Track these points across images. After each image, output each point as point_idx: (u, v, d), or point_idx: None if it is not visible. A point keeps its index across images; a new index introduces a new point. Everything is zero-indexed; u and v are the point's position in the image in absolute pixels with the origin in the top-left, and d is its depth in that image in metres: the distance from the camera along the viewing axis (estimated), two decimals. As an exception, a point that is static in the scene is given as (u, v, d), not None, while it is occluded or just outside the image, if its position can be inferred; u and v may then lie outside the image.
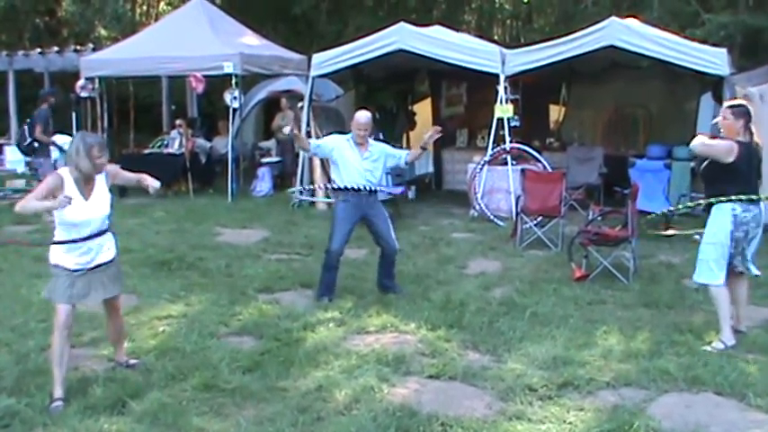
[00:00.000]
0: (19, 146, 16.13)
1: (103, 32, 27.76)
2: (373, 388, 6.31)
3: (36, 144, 15.29)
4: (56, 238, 6.40)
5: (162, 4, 31.52)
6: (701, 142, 7.58)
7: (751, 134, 7.48)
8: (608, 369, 6.76)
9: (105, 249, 6.55)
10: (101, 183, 6.46)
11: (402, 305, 8.69)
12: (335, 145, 9.11)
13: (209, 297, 9.19)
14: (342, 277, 9.56)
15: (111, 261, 6.64)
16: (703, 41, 15.18)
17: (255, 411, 6.00)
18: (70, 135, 18.25)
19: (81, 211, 6.25)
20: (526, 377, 6.53)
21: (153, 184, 6.85)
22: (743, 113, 7.51)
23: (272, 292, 9.45)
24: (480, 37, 20.57)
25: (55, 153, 15.47)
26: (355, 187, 8.91)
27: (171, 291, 9.44)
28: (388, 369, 6.76)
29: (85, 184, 6.31)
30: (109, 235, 6.59)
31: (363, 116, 9.06)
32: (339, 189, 9.07)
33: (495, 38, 29.64)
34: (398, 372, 6.75)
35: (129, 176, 6.90)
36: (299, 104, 10.14)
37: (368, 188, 8.96)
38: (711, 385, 6.39)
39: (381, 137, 12.26)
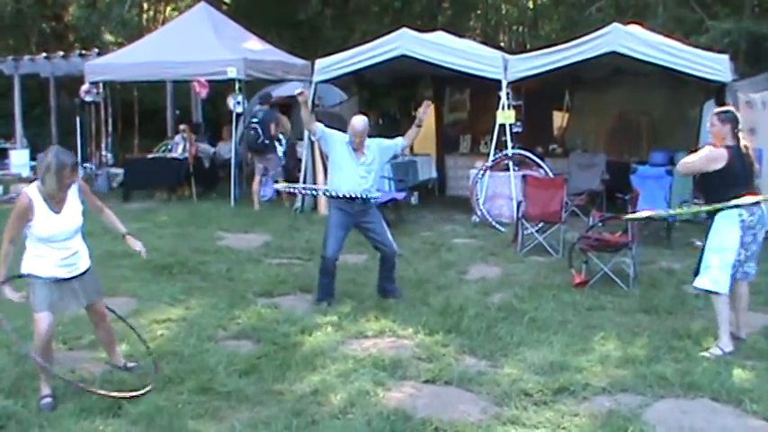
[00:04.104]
0: (252, 145, 16.54)
1: (110, 38, 27.80)
2: (368, 392, 6.31)
3: (267, 142, 16.17)
4: (27, 253, 6.31)
5: (168, 9, 31.57)
6: (680, 163, 7.69)
7: (738, 140, 7.48)
8: (604, 375, 6.75)
9: (82, 260, 6.54)
10: (72, 194, 6.37)
11: (401, 310, 8.69)
12: (335, 145, 9.11)
13: (208, 301, 9.20)
14: (342, 282, 9.59)
15: (87, 270, 6.60)
16: (708, 48, 15.16)
17: (250, 414, 6.00)
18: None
19: (52, 225, 6.20)
20: (522, 382, 6.53)
21: (141, 249, 6.91)
22: (729, 119, 7.53)
23: (271, 297, 9.46)
24: (485, 43, 20.58)
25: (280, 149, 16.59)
26: (349, 195, 8.92)
27: (171, 294, 9.45)
28: (384, 373, 6.76)
29: (56, 197, 6.22)
30: (83, 245, 6.56)
31: (360, 122, 9.03)
32: (332, 196, 9.08)
33: (501, 44, 29.64)
34: (394, 376, 6.75)
35: (98, 205, 6.81)
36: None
37: (361, 197, 8.96)
38: (708, 391, 6.37)
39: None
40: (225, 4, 28.91)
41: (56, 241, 6.24)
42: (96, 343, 7.41)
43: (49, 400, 6.15)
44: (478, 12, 33.05)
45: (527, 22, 33.45)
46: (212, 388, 6.45)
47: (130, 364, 6.97)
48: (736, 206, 7.34)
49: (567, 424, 5.81)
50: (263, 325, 8.21)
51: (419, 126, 9.33)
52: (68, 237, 6.33)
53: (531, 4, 33.43)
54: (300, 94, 9.23)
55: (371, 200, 9.20)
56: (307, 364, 7.04)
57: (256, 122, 16.34)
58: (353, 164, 9.02)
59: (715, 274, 7.44)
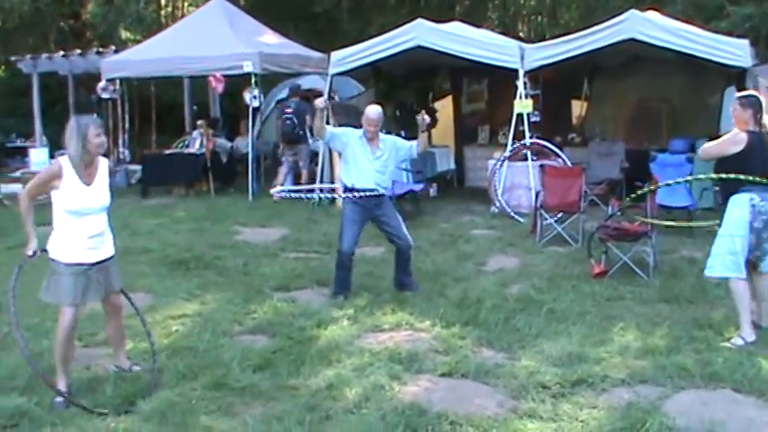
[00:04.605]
0: (288, 135, 16.76)
1: (129, 35, 27.81)
2: (384, 386, 6.23)
3: (301, 132, 16.50)
4: (53, 235, 6.30)
5: (186, 4, 31.55)
6: (702, 148, 7.61)
7: (760, 125, 7.35)
8: (623, 366, 6.64)
9: (107, 244, 6.51)
10: (103, 169, 6.40)
11: (418, 302, 8.62)
12: (348, 141, 9.04)
13: (224, 296, 9.15)
14: (359, 275, 9.55)
15: (111, 258, 6.58)
16: (728, 34, 14.99)
17: (264, 410, 5.94)
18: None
19: (82, 197, 6.19)
20: (539, 374, 6.43)
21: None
22: (751, 104, 7.42)
23: (288, 291, 9.41)
24: (504, 34, 20.45)
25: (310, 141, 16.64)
26: (364, 189, 8.86)
27: (187, 290, 9.41)
28: (400, 367, 6.67)
29: (85, 168, 6.22)
30: (108, 229, 6.53)
31: (374, 111, 8.99)
32: (347, 189, 9.02)
33: (521, 34, 29.50)
34: (410, 370, 6.66)
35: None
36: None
37: (377, 191, 8.91)
38: (729, 382, 6.25)
39: (403, 135, 12.13)
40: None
41: (86, 215, 6.21)
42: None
43: (60, 399, 6.09)
44: (496, 2, 32.91)
45: (545, 12, 33.25)
46: (226, 383, 6.38)
47: (136, 368, 6.84)
48: (749, 186, 7.22)
49: (585, 417, 5.71)
50: (279, 319, 8.15)
51: (424, 132, 9.21)
52: (98, 212, 6.32)
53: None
54: (322, 104, 9.16)
55: (385, 193, 9.13)
56: (322, 358, 6.97)
57: (291, 113, 16.43)
58: (370, 157, 8.98)
59: (724, 260, 7.35)
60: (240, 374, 6.57)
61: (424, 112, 9.27)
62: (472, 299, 8.61)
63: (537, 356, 6.91)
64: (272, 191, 10.18)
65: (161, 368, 6.72)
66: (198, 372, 6.66)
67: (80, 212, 6.19)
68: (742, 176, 7.21)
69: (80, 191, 6.16)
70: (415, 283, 9.31)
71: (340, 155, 9.65)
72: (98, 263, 6.40)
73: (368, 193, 8.82)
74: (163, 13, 31.49)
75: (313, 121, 15.26)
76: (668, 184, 9.92)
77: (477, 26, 19.56)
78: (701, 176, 7.56)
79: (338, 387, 6.28)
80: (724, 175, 7.34)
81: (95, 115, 17.52)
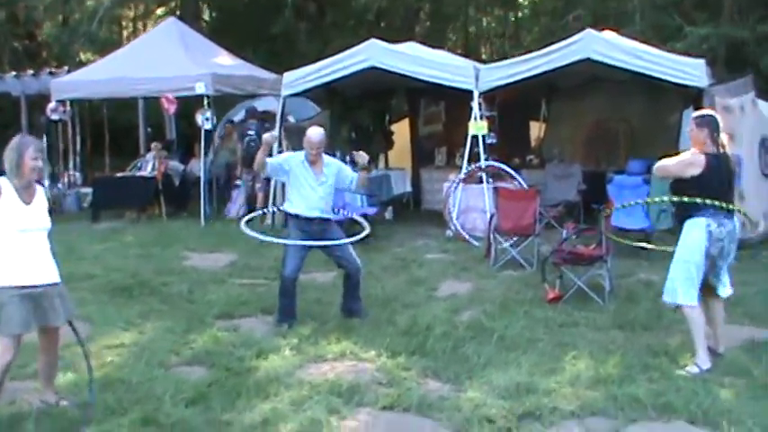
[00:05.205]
0: (251, 158, 16.41)
1: (88, 55, 27.44)
2: (321, 421, 5.92)
3: None
4: None
5: (150, 25, 31.23)
6: (657, 165, 7.32)
7: (717, 145, 7.12)
8: (574, 397, 6.36)
9: (51, 268, 6.21)
10: (40, 193, 6.22)
11: (364, 331, 8.31)
12: (291, 168, 8.76)
13: (164, 324, 8.81)
14: (306, 302, 9.29)
15: (58, 284, 6.28)
16: (686, 54, 14.86)
17: (192, 448, 5.60)
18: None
19: (24, 216, 5.98)
20: (485, 407, 6.12)
21: None
22: (707, 123, 7.18)
23: (231, 319, 9.09)
24: (465, 56, 20.29)
25: None
26: (309, 217, 8.62)
27: (127, 318, 9.06)
28: (339, 400, 6.36)
29: (25, 189, 6.04)
30: (50, 254, 6.24)
31: (316, 134, 8.71)
32: (291, 215, 8.77)
33: (483, 57, 29.48)
34: (350, 403, 6.35)
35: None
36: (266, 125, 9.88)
37: (322, 217, 8.69)
38: (683, 413, 6.00)
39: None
40: (204, 21, 28.66)
41: (27, 232, 5.99)
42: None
43: None
44: (457, 24, 32.92)
45: (508, 34, 33.30)
46: (156, 419, 6.03)
47: (63, 402, 6.45)
48: (705, 211, 6.99)
49: (530, 454, 5.42)
50: (219, 349, 7.81)
51: (363, 169, 8.99)
52: (39, 230, 6.12)
53: (512, 16, 33.34)
54: (272, 140, 8.92)
55: (329, 219, 8.89)
56: (259, 391, 6.64)
57: (255, 135, 16.13)
58: (314, 184, 8.70)
59: (678, 285, 7.12)
60: (172, 409, 6.22)
61: (361, 152, 9.08)
62: (421, 326, 8.31)
63: (484, 387, 6.60)
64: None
65: (89, 402, 6.35)
66: (128, 407, 6.30)
67: (22, 230, 5.96)
68: (699, 200, 6.97)
69: (20, 209, 5.97)
70: (364, 309, 9.00)
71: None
72: (44, 286, 6.10)
73: (311, 216, 8.62)
74: (125, 33, 31.18)
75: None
76: (624, 206, 9.73)
77: (438, 48, 19.39)
78: (662, 198, 7.31)
79: (273, 423, 5.97)
80: (687, 199, 7.08)
81: (44, 137, 17.44)
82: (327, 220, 8.80)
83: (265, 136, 8.88)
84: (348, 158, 12.27)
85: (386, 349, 7.62)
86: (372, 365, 7.26)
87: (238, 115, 20.64)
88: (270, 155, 9.50)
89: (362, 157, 8.90)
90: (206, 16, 31.53)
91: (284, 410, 6.19)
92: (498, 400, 6.27)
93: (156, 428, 5.92)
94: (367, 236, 9.17)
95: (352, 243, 8.92)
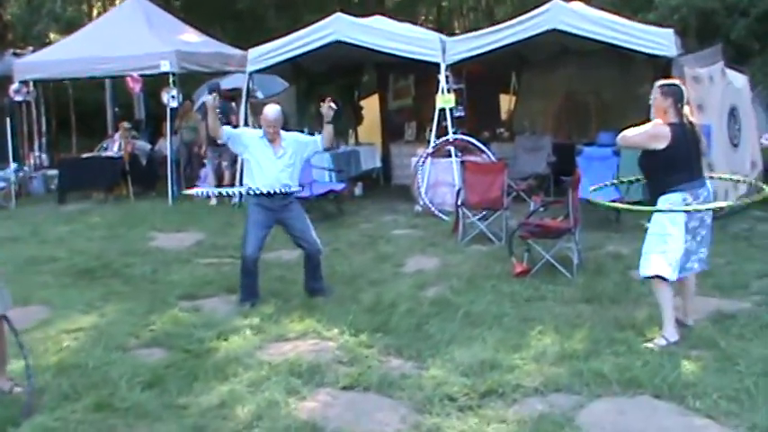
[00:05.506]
0: None
1: (57, 36, 27.03)
2: (279, 402, 5.76)
3: None
4: None
5: (118, 2, 30.83)
6: (621, 135, 7.15)
7: (681, 115, 6.97)
8: (538, 373, 6.22)
9: None
10: None
11: (328, 308, 8.15)
12: (249, 143, 8.57)
13: (126, 306, 8.62)
14: (270, 280, 9.18)
15: None
16: (658, 25, 14.74)
17: (147, 432, 5.44)
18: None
19: None
20: (447, 385, 5.97)
21: None
22: (672, 93, 7.01)
23: (194, 299, 8.89)
24: (439, 30, 20.08)
25: None
26: (269, 192, 8.42)
27: (88, 301, 8.84)
28: (299, 380, 6.21)
29: None
30: None
31: (272, 112, 8.51)
32: (251, 193, 8.57)
33: (457, 31, 29.25)
34: (310, 383, 6.19)
35: None
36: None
37: (282, 191, 8.47)
38: (649, 387, 5.87)
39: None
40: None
41: None
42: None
43: None
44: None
45: (481, 8, 33.11)
46: (111, 404, 5.87)
47: (17, 389, 6.24)
48: (681, 185, 6.87)
49: (491, 432, 5.28)
50: (179, 331, 7.62)
51: (329, 123, 8.73)
52: None
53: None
54: (211, 102, 8.69)
55: (292, 194, 8.68)
56: (217, 372, 6.47)
57: (221, 114, 15.69)
58: (272, 158, 8.50)
59: (653, 258, 6.94)
60: (127, 393, 6.05)
61: (329, 99, 8.77)
62: (385, 303, 8.19)
63: (447, 365, 6.46)
64: (188, 192, 9.64)
65: (42, 388, 6.17)
66: (82, 392, 6.12)
67: None
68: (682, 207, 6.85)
69: None
70: (328, 287, 8.86)
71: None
72: None
73: (271, 190, 8.40)
74: (95, 12, 30.74)
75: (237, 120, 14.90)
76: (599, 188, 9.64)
77: (410, 22, 19.20)
78: (635, 178, 7.21)
79: (230, 405, 5.81)
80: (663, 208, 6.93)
81: (8, 119, 17.17)
82: (289, 194, 8.61)
83: (206, 99, 8.67)
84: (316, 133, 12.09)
85: (349, 327, 7.46)
86: (334, 344, 7.10)
87: (204, 94, 20.41)
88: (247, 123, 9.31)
89: (330, 107, 8.65)
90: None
91: (242, 392, 6.03)
92: (461, 378, 6.14)
93: (110, 413, 5.76)
94: None
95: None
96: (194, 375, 6.42)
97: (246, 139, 8.63)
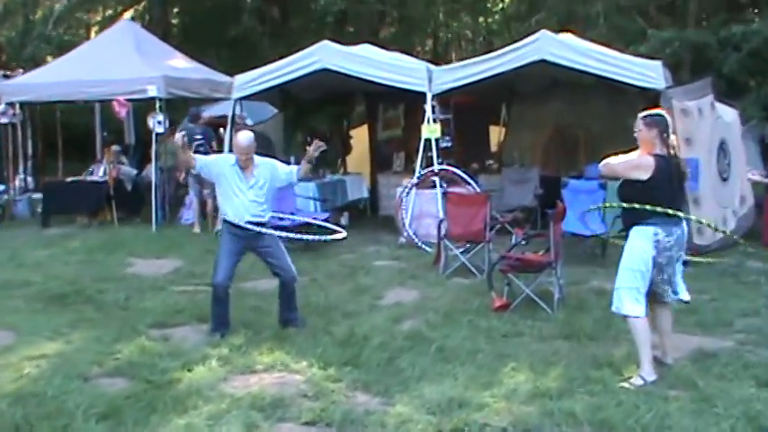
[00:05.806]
0: None
1: (50, 59, 26.98)
2: (237, 437, 5.55)
3: None
4: None
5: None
6: (603, 163, 6.95)
7: (668, 146, 6.79)
8: (507, 412, 6.01)
9: None
10: None
11: (299, 341, 7.95)
12: (221, 171, 8.40)
13: (93, 334, 8.43)
14: (244, 309, 9.01)
15: None
16: (650, 58, 14.64)
17: (95, 468, 5.23)
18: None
19: None
20: (411, 423, 5.77)
21: None
22: (657, 123, 6.83)
23: (164, 328, 8.70)
24: (434, 62, 19.97)
25: None
26: (241, 225, 8.27)
27: (55, 327, 8.66)
28: (260, 414, 6.01)
29: None
30: None
31: (244, 139, 8.36)
32: (225, 221, 8.44)
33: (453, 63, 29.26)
34: (271, 417, 5.99)
35: None
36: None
37: (255, 222, 8.31)
38: (621, 429, 5.68)
39: (315, 162, 11.53)
40: (174, 25, 28.34)
41: None
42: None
43: None
44: (427, 28, 32.74)
45: (478, 39, 33.17)
46: (63, 437, 5.66)
47: None
48: (654, 219, 6.67)
49: (452, 474, 5.07)
50: (144, 360, 7.42)
51: (309, 163, 8.57)
52: None
53: (483, 21, 33.23)
54: (180, 141, 8.51)
55: (266, 224, 8.50)
56: (177, 404, 6.26)
57: (203, 140, 15.59)
58: (244, 187, 8.33)
59: (624, 294, 6.78)
60: (82, 424, 5.87)
61: (317, 142, 8.66)
62: (358, 336, 7.98)
63: (414, 401, 6.24)
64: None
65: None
66: (35, 422, 5.91)
67: None
68: (649, 207, 6.64)
69: None
70: (301, 319, 8.66)
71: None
72: None
73: (243, 224, 8.25)
74: (93, 34, 30.70)
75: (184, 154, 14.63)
76: (589, 210, 9.48)
77: (406, 53, 19.09)
78: (611, 204, 7.04)
79: (186, 439, 5.60)
80: (637, 206, 6.73)
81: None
82: (262, 225, 8.41)
83: (175, 138, 8.54)
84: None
85: (318, 360, 7.26)
86: (301, 377, 6.91)
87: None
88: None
89: (318, 147, 8.54)
90: (175, 21, 31.16)
91: (200, 426, 5.83)
92: (426, 416, 5.93)
93: (61, 446, 5.55)
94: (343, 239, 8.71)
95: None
96: (153, 407, 6.22)
97: (218, 168, 8.46)
